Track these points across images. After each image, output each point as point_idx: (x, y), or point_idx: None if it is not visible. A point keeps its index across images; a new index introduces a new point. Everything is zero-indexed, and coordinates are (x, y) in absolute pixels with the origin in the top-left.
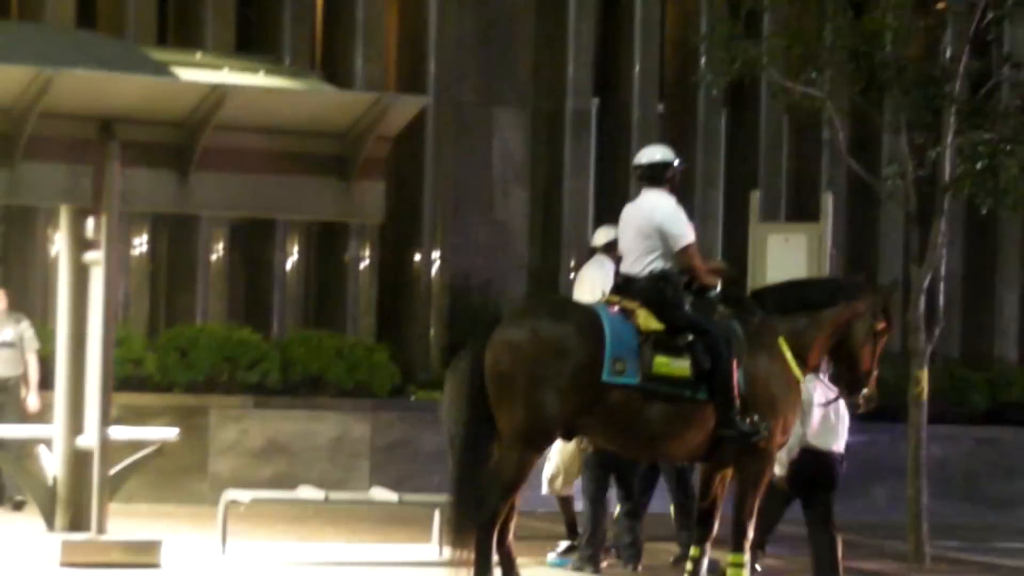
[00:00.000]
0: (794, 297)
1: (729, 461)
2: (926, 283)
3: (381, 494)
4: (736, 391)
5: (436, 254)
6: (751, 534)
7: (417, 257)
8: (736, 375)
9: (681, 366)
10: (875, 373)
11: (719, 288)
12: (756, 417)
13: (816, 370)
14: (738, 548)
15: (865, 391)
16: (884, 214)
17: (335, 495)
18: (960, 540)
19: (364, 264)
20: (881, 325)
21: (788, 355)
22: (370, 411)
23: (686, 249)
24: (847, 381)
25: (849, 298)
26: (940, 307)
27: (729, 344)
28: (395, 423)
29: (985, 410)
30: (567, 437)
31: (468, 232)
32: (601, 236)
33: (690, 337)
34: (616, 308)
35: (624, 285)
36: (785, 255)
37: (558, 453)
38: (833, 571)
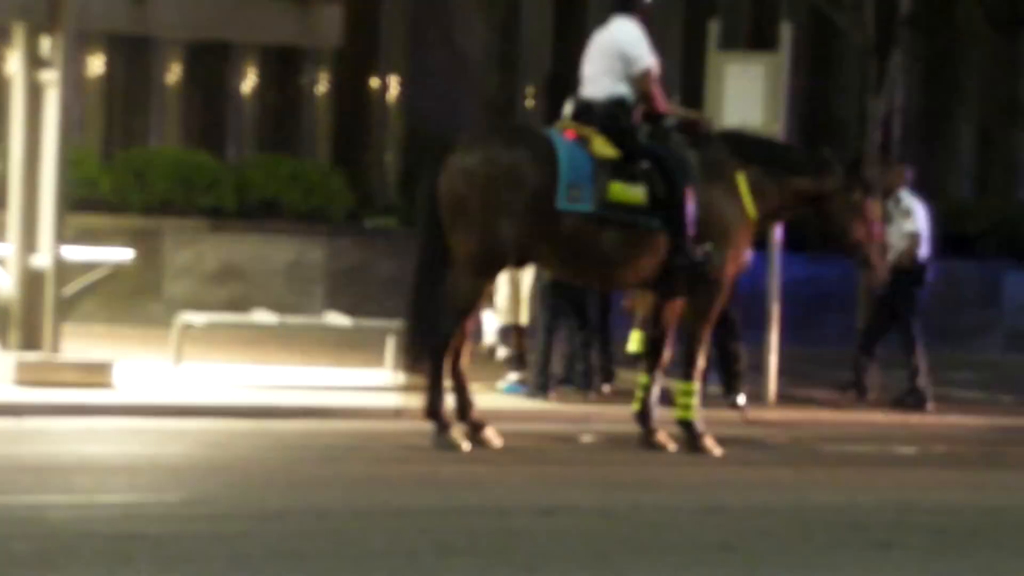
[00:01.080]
0: (761, 151)
1: (681, 291)
2: (882, 116)
3: (335, 319)
4: (690, 220)
5: (393, 80)
6: (701, 363)
7: (374, 82)
8: (690, 204)
9: (636, 193)
10: (877, 243)
11: (675, 118)
12: (708, 247)
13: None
14: (688, 377)
15: (877, 269)
16: (843, 45)
17: (289, 319)
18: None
19: (321, 89)
20: (858, 195)
21: (745, 192)
22: (325, 236)
23: (645, 74)
24: (851, 257)
25: (815, 173)
26: (895, 140)
27: (685, 173)
28: (350, 249)
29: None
30: (519, 264)
31: (426, 59)
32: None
33: (645, 164)
34: (571, 134)
35: (581, 111)
36: (743, 86)
37: (508, 283)
38: None
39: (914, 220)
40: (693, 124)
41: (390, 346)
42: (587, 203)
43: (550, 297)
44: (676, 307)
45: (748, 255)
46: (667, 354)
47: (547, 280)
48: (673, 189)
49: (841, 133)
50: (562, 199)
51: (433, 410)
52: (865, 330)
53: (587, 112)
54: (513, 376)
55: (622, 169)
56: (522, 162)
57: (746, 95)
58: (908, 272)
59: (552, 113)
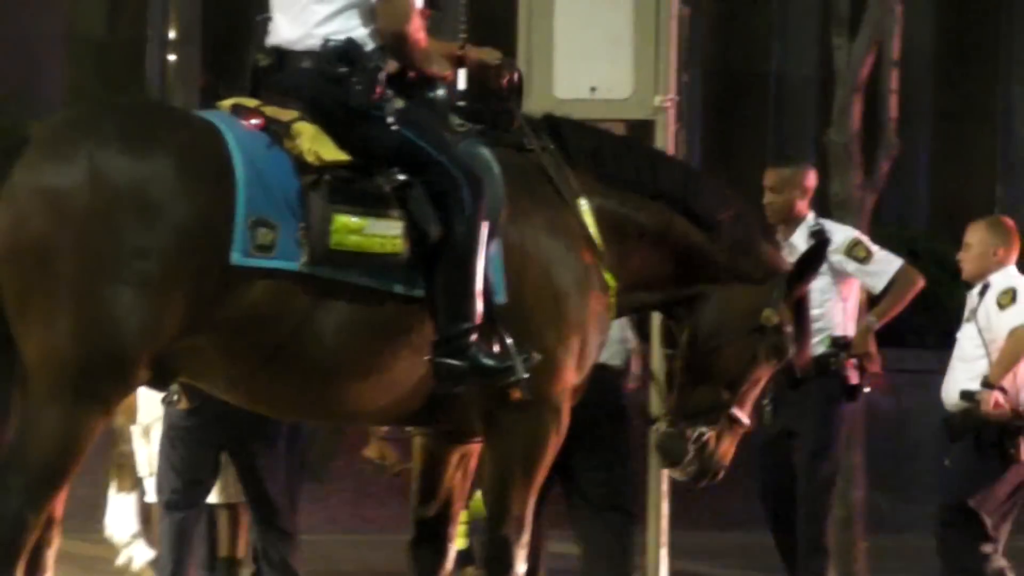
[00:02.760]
0: (625, 162)
1: (470, 428)
2: (864, 72)
3: None
4: (478, 286)
5: None
6: (517, 558)
7: None
8: (482, 253)
9: (384, 233)
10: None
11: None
12: (508, 340)
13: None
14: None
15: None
16: None
17: None
18: None
19: None
20: (777, 321)
21: (593, 231)
22: None
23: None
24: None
25: (721, 235)
26: (890, 116)
27: (475, 190)
28: None
29: None
30: (159, 382)
31: None
32: None
33: (400, 175)
34: (255, 121)
35: (272, 74)
36: (590, 17)
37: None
38: None
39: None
40: (493, 90)
41: None
42: (290, 254)
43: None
44: (467, 462)
45: (596, 350)
46: (451, 552)
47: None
48: (451, 222)
49: (781, 105)
50: (240, 247)
51: None
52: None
53: (285, 76)
54: None
55: (354, 187)
56: (161, 177)
57: (597, 38)
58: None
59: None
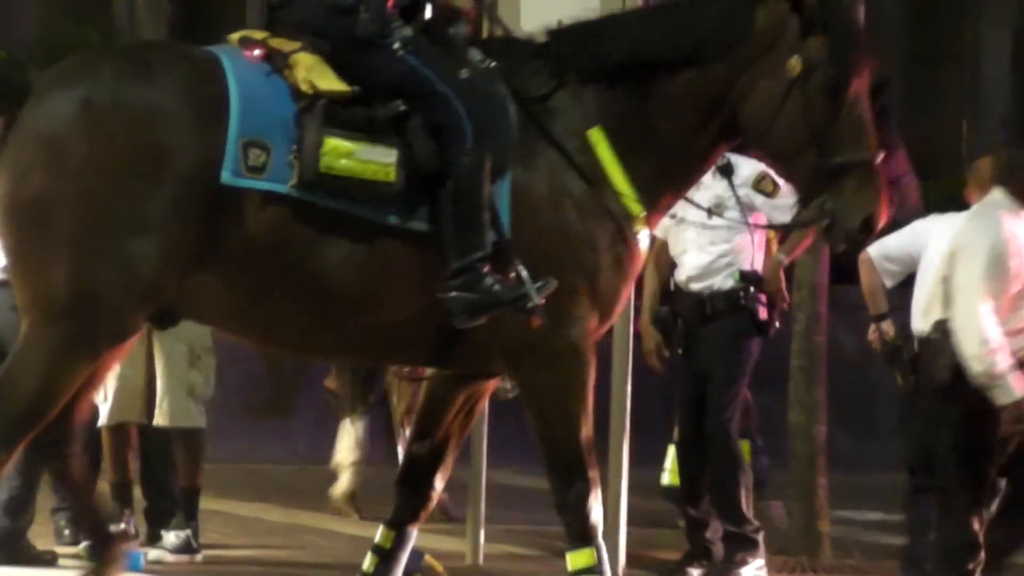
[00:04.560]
0: (634, 44)
1: (485, 368)
2: None
3: None
4: (487, 218)
5: None
6: (594, 514)
7: None
8: (489, 188)
9: (377, 159)
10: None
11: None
12: (522, 271)
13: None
14: (581, 541)
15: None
16: None
17: None
18: None
19: None
20: (803, 63)
21: (608, 162)
22: None
23: None
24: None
25: (737, 32)
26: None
27: (484, 126)
28: None
29: None
30: (165, 323)
31: None
32: None
33: (401, 105)
34: (258, 52)
35: (282, 6)
36: None
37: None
38: None
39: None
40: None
41: None
42: (281, 175)
43: None
44: (476, 407)
45: (625, 294)
46: (439, 486)
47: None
48: (456, 153)
49: None
50: (231, 167)
51: None
52: None
53: (295, 9)
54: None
55: (348, 113)
56: (152, 107)
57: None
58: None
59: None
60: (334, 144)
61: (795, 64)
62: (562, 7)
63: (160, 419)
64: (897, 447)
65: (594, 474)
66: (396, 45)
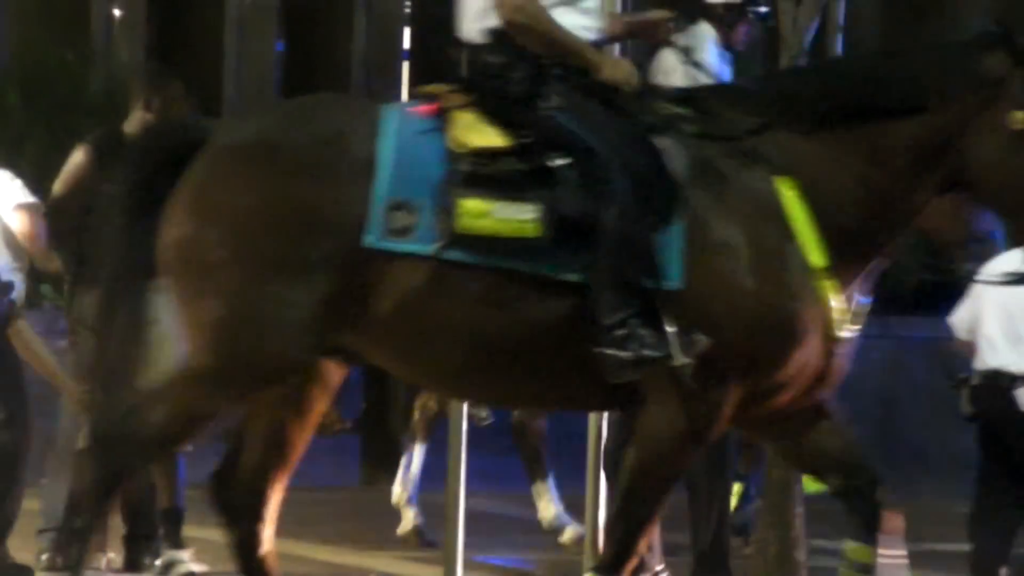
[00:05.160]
0: (846, 91)
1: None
2: (808, 35)
3: None
4: (640, 273)
5: None
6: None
7: None
8: (650, 240)
9: (516, 217)
10: None
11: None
12: (670, 328)
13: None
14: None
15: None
16: None
17: None
18: None
19: None
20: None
21: (797, 214)
22: None
23: None
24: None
25: (958, 84)
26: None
27: (645, 178)
28: None
29: None
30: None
31: None
32: None
33: (553, 160)
34: (427, 107)
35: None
36: None
37: None
38: None
39: None
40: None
41: None
42: (425, 239)
43: None
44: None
45: (796, 357)
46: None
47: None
48: (602, 207)
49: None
50: (375, 229)
51: None
52: None
53: (463, 66)
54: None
55: (490, 172)
56: (311, 160)
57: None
58: None
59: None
60: (470, 205)
61: (1020, 118)
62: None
63: None
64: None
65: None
66: (549, 103)
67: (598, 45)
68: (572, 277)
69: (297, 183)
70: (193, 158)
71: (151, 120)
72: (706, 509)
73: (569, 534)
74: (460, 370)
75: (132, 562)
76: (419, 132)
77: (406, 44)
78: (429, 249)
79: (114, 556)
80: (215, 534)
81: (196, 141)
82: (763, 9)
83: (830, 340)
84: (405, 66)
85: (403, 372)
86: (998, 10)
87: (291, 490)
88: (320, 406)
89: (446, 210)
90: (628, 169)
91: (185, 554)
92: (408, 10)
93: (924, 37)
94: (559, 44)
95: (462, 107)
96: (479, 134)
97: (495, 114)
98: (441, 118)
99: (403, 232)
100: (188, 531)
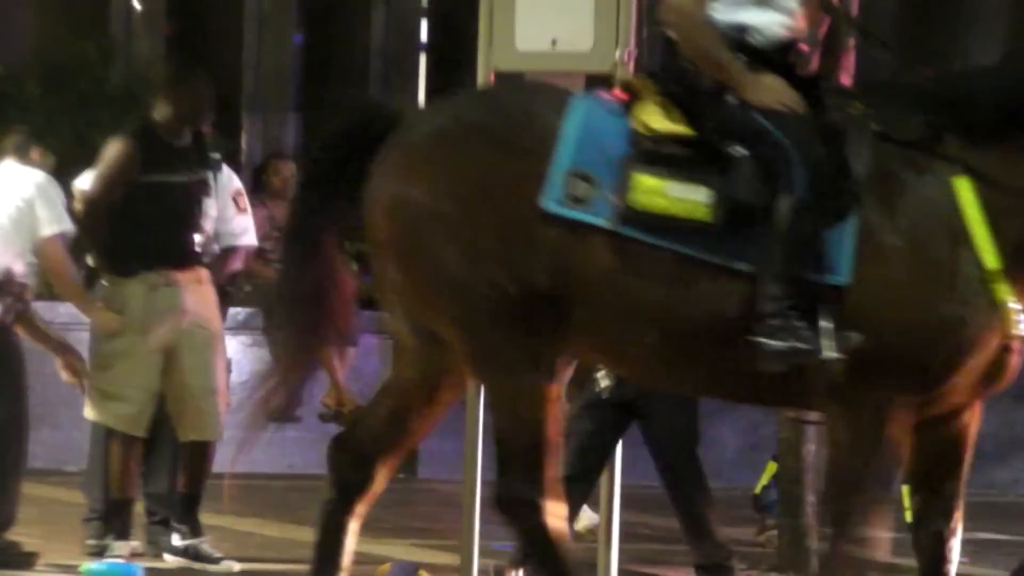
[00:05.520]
0: (1011, 96)
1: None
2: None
3: None
4: (805, 266)
5: None
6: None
7: None
8: (821, 235)
9: (690, 198)
10: None
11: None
12: (824, 323)
13: None
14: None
15: None
16: None
17: None
18: None
19: None
20: None
21: (973, 217)
22: None
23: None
24: None
25: None
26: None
27: (822, 173)
28: None
29: None
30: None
31: None
32: None
33: (735, 150)
34: (617, 93)
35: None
36: None
37: None
38: None
39: None
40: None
41: None
42: (600, 211)
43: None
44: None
45: (966, 363)
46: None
47: None
48: (777, 198)
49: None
50: (554, 196)
51: None
52: None
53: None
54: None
55: (670, 154)
56: (499, 134)
57: None
58: None
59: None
60: (646, 182)
61: None
62: (553, 25)
63: (196, 433)
64: None
65: (866, 533)
66: (734, 97)
67: (793, 43)
68: (742, 267)
69: (490, 154)
70: (389, 136)
71: (177, 111)
72: (693, 523)
73: (584, 522)
74: (635, 346)
75: (153, 546)
76: (605, 113)
77: (423, 37)
78: (605, 222)
79: (137, 543)
80: (233, 522)
81: (391, 122)
82: None
83: (1006, 340)
84: (422, 58)
85: (588, 346)
86: (1009, 6)
87: (312, 479)
88: (450, 400)
89: (622, 184)
90: (808, 163)
91: (205, 540)
92: (425, 3)
93: (936, 32)
94: (709, 57)
95: (650, 96)
96: (663, 120)
97: (681, 104)
98: (628, 104)
99: (581, 201)
100: (208, 519)
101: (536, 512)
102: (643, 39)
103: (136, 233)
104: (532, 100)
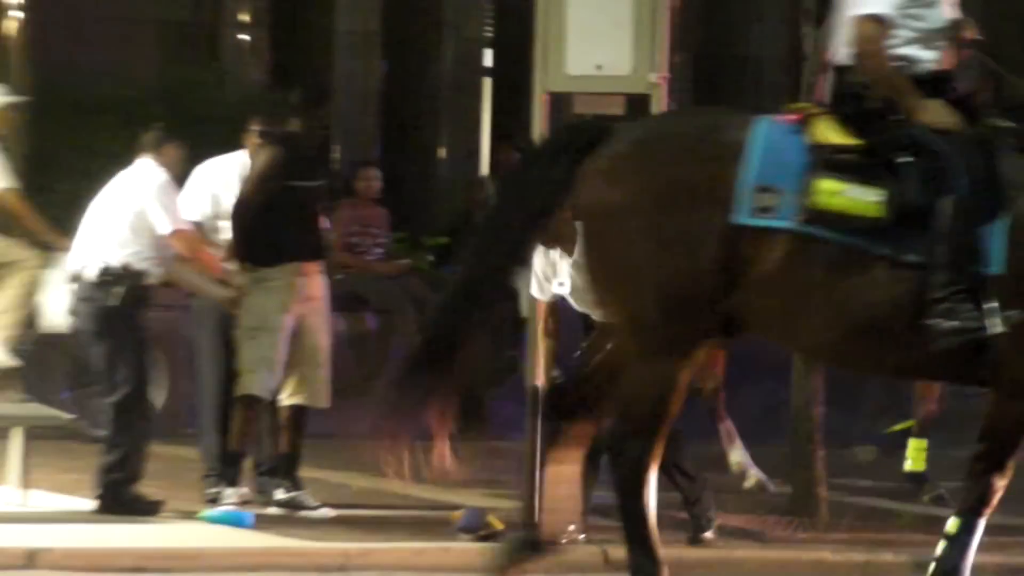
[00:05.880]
0: None
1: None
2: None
3: None
4: (968, 256)
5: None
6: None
7: None
8: (978, 229)
9: (865, 198)
10: None
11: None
12: (990, 303)
13: None
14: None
15: None
16: None
17: None
18: None
19: None
20: None
21: None
22: None
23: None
24: None
25: None
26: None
27: (977, 177)
28: None
29: None
30: (728, 331)
31: None
32: None
33: (902, 158)
34: (792, 116)
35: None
36: (597, 6)
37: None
38: None
39: None
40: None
41: (15, 447)
42: (786, 216)
43: None
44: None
45: None
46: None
47: None
48: (941, 199)
49: (758, 83)
50: (743, 208)
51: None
52: None
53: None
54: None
55: (845, 161)
56: (689, 148)
57: (602, 23)
58: None
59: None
60: (826, 185)
61: None
62: (598, 53)
63: (308, 399)
64: (881, 426)
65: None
66: (900, 115)
67: (944, 73)
68: (911, 258)
69: (681, 164)
70: (599, 146)
71: (309, 128)
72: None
73: (752, 479)
74: (820, 333)
75: (262, 495)
76: (784, 132)
77: (487, 63)
78: (790, 224)
79: (247, 490)
80: (328, 475)
81: (601, 134)
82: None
83: None
84: (486, 82)
85: (777, 335)
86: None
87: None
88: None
89: (804, 190)
90: (966, 171)
91: (304, 492)
92: (489, 34)
93: None
94: (890, 82)
95: (823, 116)
96: (836, 134)
97: (853, 122)
98: (803, 123)
99: (767, 211)
100: (303, 473)
101: (639, 469)
102: (674, 64)
103: (277, 229)
104: (718, 118)
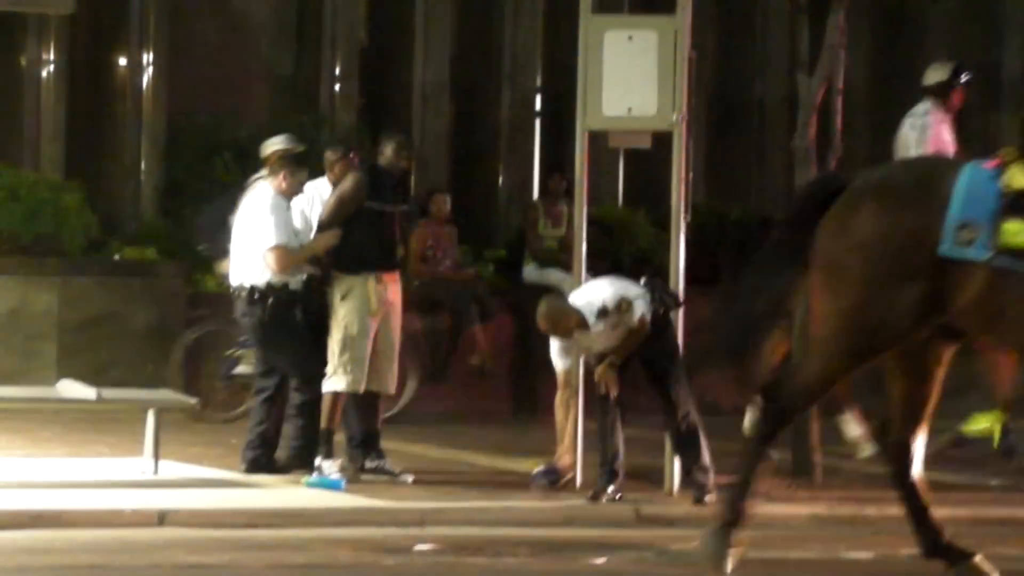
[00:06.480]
0: None
1: None
2: (818, 98)
3: (72, 388)
4: None
5: (148, 57)
6: None
7: (122, 61)
8: None
9: None
10: None
11: None
12: None
13: None
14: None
15: None
16: (764, 6)
17: (9, 391)
18: None
19: (48, 71)
20: None
21: None
22: (58, 275)
23: None
24: None
25: None
26: (836, 129)
27: None
28: (92, 291)
29: None
30: (949, 338)
31: (193, 28)
32: (933, 75)
33: None
34: (994, 162)
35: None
36: (628, 61)
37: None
38: None
39: None
40: None
41: (150, 425)
42: (981, 251)
43: None
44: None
45: None
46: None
47: None
48: None
49: (762, 122)
50: (947, 241)
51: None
52: None
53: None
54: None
55: None
56: (910, 195)
57: (632, 73)
58: None
59: (367, 95)
60: (1010, 226)
61: None
62: (629, 98)
63: (382, 386)
64: (873, 399)
65: None
66: None
67: None
68: None
69: (904, 212)
70: (839, 196)
71: (391, 160)
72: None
73: (866, 452)
74: (1003, 339)
75: (353, 464)
76: (983, 178)
77: (538, 107)
78: (984, 256)
79: (341, 460)
80: (407, 447)
81: (840, 186)
82: (967, 77)
83: None
84: (538, 123)
85: (991, 342)
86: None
87: (462, 415)
88: (940, 374)
89: (995, 230)
90: None
91: (387, 460)
92: (540, 84)
93: (899, 98)
94: None
95: (1016, 161)
96: (1021, 179)
97: None
98: (1001, 168)
99: (967, 243)
100: (388, 444)
101: (782, 419)
102: (692, 106)
103: (363, 243)
104: (935, 167)
